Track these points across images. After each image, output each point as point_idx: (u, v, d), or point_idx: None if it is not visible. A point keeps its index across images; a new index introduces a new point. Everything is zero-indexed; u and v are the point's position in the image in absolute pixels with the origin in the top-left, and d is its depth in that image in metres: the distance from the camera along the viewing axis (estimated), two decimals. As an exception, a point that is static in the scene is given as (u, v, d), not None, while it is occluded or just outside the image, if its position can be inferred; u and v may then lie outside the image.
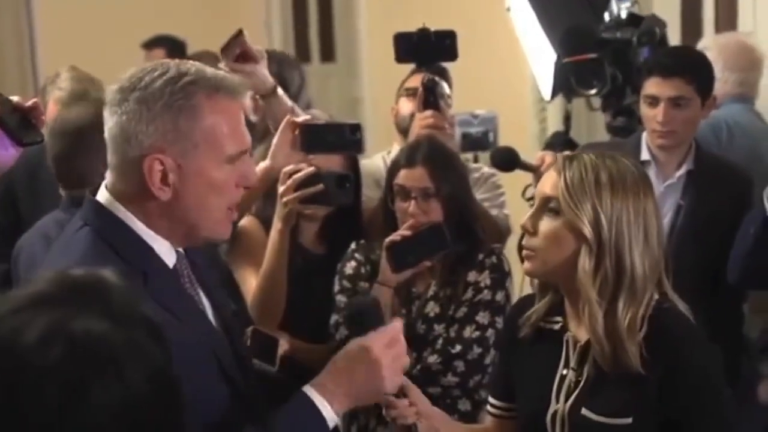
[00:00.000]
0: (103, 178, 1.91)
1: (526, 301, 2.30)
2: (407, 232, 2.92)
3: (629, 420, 2.06)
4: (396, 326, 1.96)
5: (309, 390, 1.88)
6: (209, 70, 1.86)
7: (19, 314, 1.13)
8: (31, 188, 3.22)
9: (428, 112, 3.31)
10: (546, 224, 2.11)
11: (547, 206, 2.12)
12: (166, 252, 1.89)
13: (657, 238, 2.10)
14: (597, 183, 2.07)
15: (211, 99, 1.83)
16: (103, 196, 1.88)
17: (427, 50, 3.37)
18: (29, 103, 2.48)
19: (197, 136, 1.82)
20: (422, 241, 2.91)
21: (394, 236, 2.92)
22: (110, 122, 1.84)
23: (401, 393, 2.10)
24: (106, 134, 1.86)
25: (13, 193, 3.59)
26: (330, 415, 1.87)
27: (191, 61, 1.89)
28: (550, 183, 2.12)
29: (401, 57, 3.45)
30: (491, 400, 2.37)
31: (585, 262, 2.06)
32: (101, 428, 1.10)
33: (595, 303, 2.06)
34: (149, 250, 1.86)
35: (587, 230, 2.05)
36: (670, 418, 2.06)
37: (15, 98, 2.48)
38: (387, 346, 1.91)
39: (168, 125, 1.80)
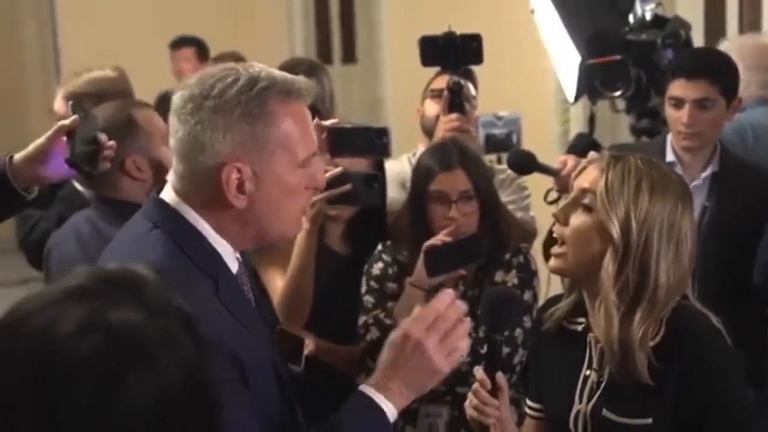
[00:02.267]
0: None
1: (554, 301, 2.31)
2: (448, 239, 2.91)
3: (649, 420, 2.07)
4: (441, 303, 1.91)
5: (367, 389, 1.86)
6: (278, 73, 1.84)
7: (54, 306, 1.13)
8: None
9: (453, 116, 3.32)
10: (577, 218, 2.12)
11: (581, 200, 2.12)
12: (230, 258, 1.87)
13: (689, 256, 2.09)
14: (637, 188, 2.06)
15: (283, 104, 1.81)
16: (169, 196, 1.86)
17: (453, 54, 3.37)
18: (110, 143, 2.50)
19: (273, 143, 1.80)
20: (462, 248, 2.91)
21: (435, 241, 2.91)
22: (181, 131, 1.80)
23: (494, 392, 2.12)
24: (174, 143, 1.83)
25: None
26: (391, 411, 1.86)
27: (258, 64, 1.86)
28: (590, 178, 2.12)
29: (427, 60, 3.45)
30: (528, 402, 2.38)
31: (609, 265, 2.06)
32: (135, 420, 1.10)
33: (613, 304, 2.06)
34: (218, 256, 1.84)
35: (615, 232, 2.05)
36: (689, 417, 2.06)
37: (103, 136, 2.51)
38: (429, 328, 1.87)
39: (245, 134, 1.78)
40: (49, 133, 2.44)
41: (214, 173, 1.79)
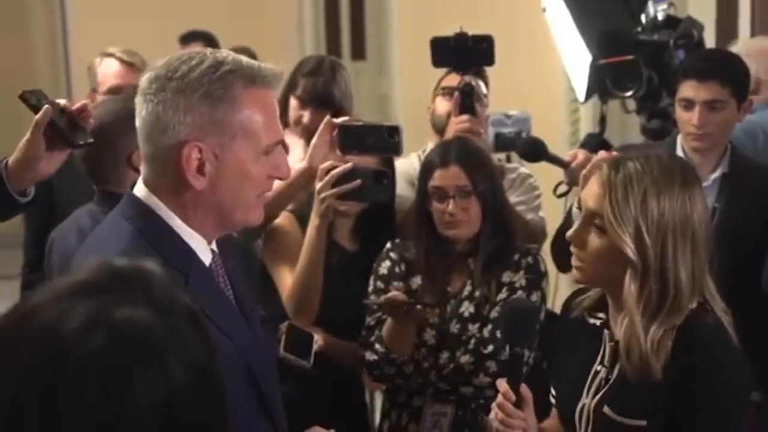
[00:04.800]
0: (126, 175, 1.90)
1: (583, 291, 2.30)
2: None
3: (643, 423, 2.07)
4: None
5: None
6: (245, 59, 1.83)
7: (60, 302, 1.11)
8: (66, 172, 3.24)
9: (464, 117, 3.32)
10: (593, 241, 2.10)
11: (592, 221, 2.10)
12: (203, 250, 1.87)
13: (704, 245, 2.08)
14: (644, 198, 2.04)
15: (248, 89, 1.80)
16: (140, 190, 1.87)
17: (465, 55, 3.37)
18: (77, 105, 2.50)
19: (234, 127, 1.79)
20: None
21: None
22: (144, 111, 1.81)
23: (518, 403, 2.12)
24: (138, 123, 1.83)
25: (49, 182, 3.62)
26: None
27: (226, 51, 1.86)
28: (593, 196, 2.10)
29: (438, 61, 3.45)
30: (553, 390, 2.37)
31: (630, 285, 2.06)
32: (141, 418, 1.08)
33: (638, 323, 2.05)
34: (188, 249, 1.84)
35: (632, 254, 2.03)
36: (676, 421, 2.06)
37: (62, 101, 2.51)
38: None
39: (206, 116, 1.78)
40: (29, 135, 2.44)
41: (175, 153, 1.78)
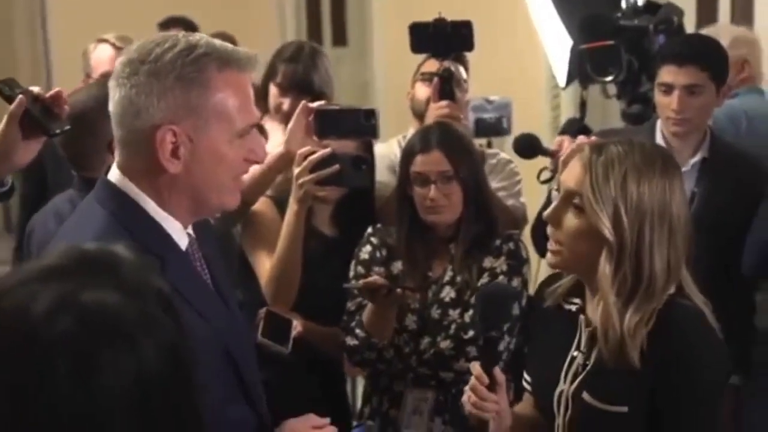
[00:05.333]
0: (107, 161, 1.89)
1: (556, 278, 2.31)
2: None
3: (625, 409, 2.07)
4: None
5: None
6: (218, 42, 1.82)
7: (28, 286, 1.11)
8: (58, 162, 3.23)
9: (443, 102, 3.32)
10: (570, 220, 2.11)
11: (571, 201, 2.11)
12: (179, 234, 1.86)
13: (682, 237, 2.09)
14: (623, 181, 2.05)
15: (221, 72, 1.79)
16: (114, 175, 1.85)
17: (444, 41, 3.36)
18: (51, 92, 2.48)
19: (208, 110, 1.79)
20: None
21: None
22: (117, 95, 1.80)
23: (491, 386, 2.12)
24: (112, 107, 1.82)
25: (43, 167, 3.61)
26: None
27: (200, 34, 1.85)
28: (574, 176, 2.11)
29: (417, 47, 3.43)
30: (526, 376, 2.38)
31: (605, 265, 2.06)
32: (112, 402, 1.08)
33: (612, 305, 2.06)
34: (164, 232, 1.83)
35: (609, 233, 2.04)
36: (658, 408, 2.06)
37: (36, 88, 2.49)
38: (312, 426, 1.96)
39: (179, 99, 1.77)
40: (3, 125, 2.42)
41: (149, 136, 1.77)
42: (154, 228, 1.83)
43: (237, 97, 1.81)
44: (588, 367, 2.14)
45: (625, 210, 2.04)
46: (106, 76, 3.60)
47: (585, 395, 2.12)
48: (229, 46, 1.83)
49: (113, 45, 3.94)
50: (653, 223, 2.05)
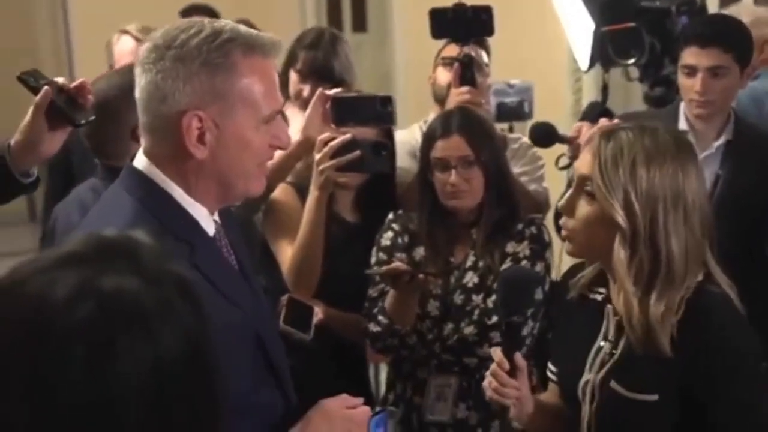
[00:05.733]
0: (130, 149, 1.89)
1: (578, 268, 2.29)
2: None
3: (655, 397, 2.06)
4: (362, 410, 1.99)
5: None
6: (243, 28, 1.82)
7: (47, 273, 1.10)
8: (84, 153, 3.25)
9: (464, 88, 3.31)
10: (582, 208, 2.10)
11: (583, 188, 2.10)
12: (206, 220, 1.86)
13: (699, 216, 2.06)
14: (633, 166, 2.03)
15: (247, 57, 1.79)
16: (140, 162, 1.85)
17: (464, 26, 3.35)
18: (76, 83, 2.49)
19: (234, 95, 1.78)
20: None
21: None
22: (143, 80, 1.80)
23: (512, 372, 2.11)
24: (138, 93, 1.82)
25: (68, 158, 3.62)
26: None
27: (224, 20, 1.85)
28: (586, 163, 2.10)
29: (437, 33, 3.43)
30: (550, 365, 2.37)
31: (620, 251, 2.05)
32: (129, 388, 1.07)
33: (630, 292, 2.05)
34: (192, 219, 1.83)
35: (621, 219, 2.03)
36: (695, 398, 2.04)
37: (61, 79, 2.49)
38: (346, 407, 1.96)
39: (205, 84, 1.77)
40: (29, 116, 2.42)
41: (175, 122, 1.77)
42: (182, 214, 1.83)
43: (262, 82, 1.81)
44: (615, 356, 2.12)
45: (636, 195, 2.02)
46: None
47: (613, 384, 2.10)
48: (254, 31, 1.83)
49: (135, 37, 3.93)
50: (666, 208, 2.03)
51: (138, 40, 3.87)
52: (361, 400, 1.99)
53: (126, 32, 3.97)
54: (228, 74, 1.78)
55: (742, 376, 2.04)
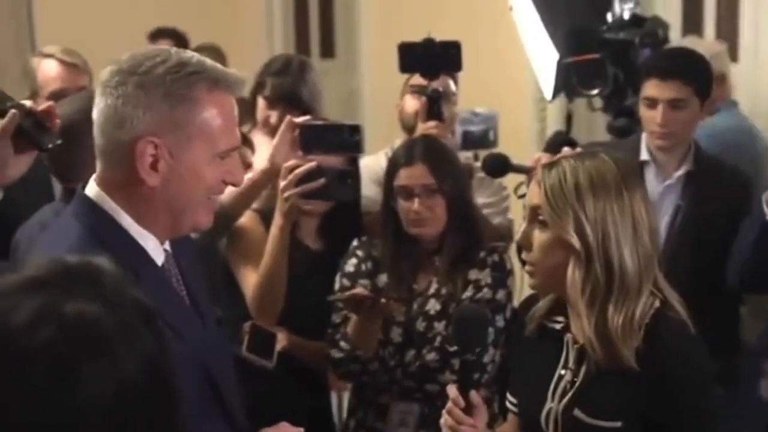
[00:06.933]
0: (95, 171, 1.88)
1: (533, 299, 2.32)
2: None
3: (618, 424, 2.07)
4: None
5: None
6: (209, 62, 1.83)
7: (8, 297, 1.11)
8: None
9: (431, 123, 3.35)
10: (538, 237, 2.14)
11: (536, 217, 2.14)
12: (154, 249, 1.86)
13: (648, 228, 2.12)
14: (577, 189, 2.08)
15: (210, 92, 1.80)
16: (92, 189, 1.85)
17: (432, 60, 3.37)
18: (43, 106, 2.48)
19: (193, 128, 1.79)
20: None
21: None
22: (102, 103, 1.80)
23: (468, 409, 2.12)
24: (95, 115, 1.82)
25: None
26: None
27: (191, 52, 1.86)
28: (534, 194, 2.15)
29: (406, 67, 3.45)
30: (509, 396, 2.38)
31: (575, 273, 2.08)
32: (90, 414, 1.08)
33: (584, 313, 2.08)
34: (139, 248, 1.83)
35: (574, 241, 2.07)
36: (657, 422, 2.07)
37: (27, 102, 2.49)
38: None
39: (165, 114, 1.77)
40: None
41: (129, 147, 1.78)
42: (129, 242, 1.82)
43: (222, 117, 1.82)
44: (577, 384, 2.14)
45: (586, 217, 2.07)
46: (57, 95, 3.51)
47: (577, 412, 2.12)
48: (220, 66, 1.84)
49: (60, 60, 3.74)
50: (616, 223, 2.07)
51: (64, 63, 3.72)
52: (301, 429, 1.97)
53: (49, 56, 3.76)
54: (189, 106, 1.78)
55: (703, 394, 2.10)
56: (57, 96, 3.49)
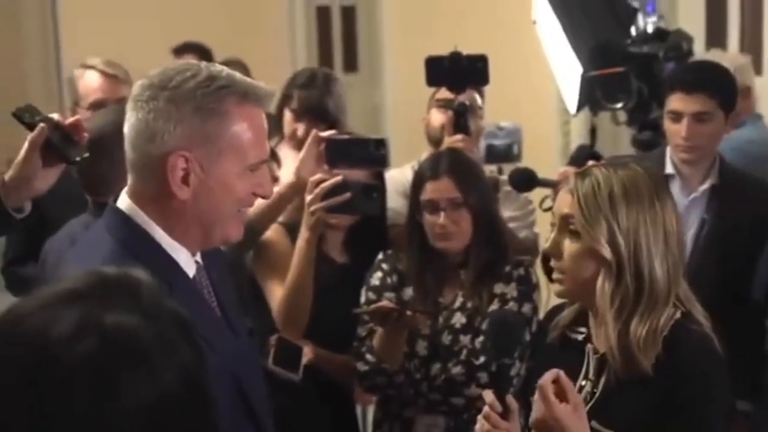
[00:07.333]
0: (125, 184, 1.90)
1: (558, 310, 2.32)
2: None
3: None
4: None
5: None
6: (238, 75, 1.85)
7: (48, 309, 1.12)
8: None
9: (458, 136, 3.35)
10: (568, 246, 2.13)
11: (567, 227, 2.13)
12: (186, 262, 1.88)
13: (677, 237, 2.12)
14: (611, 198, 2.08)
15: (240, 106, 1.82)
16: (123, 202, 1.87)
17: (459, 74, 3.38)
18: (71, 120, 2.51)
19: (223, 141, 1.81)
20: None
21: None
22: (133, 117, 1.83)
23: (504, 414, 2.12)
24: (127, 129, 1.84)
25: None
26: None
27: (220, 66, 1.88)
28: (566, 202, 2.14)
29: (433, 81, 3.46)
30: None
31: (605, 284, 2.08)
32: (130, 425, 1.09)
33: (610, 323, 2.08)
34: (172, 260, 1.85)
35: (606, 252, 2.06)
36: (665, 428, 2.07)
37: (55, 116, 2.52)
38: None
39: (196, 128, 1.79)
40: (24, 153, 2.44)
41: (161, 161, 1.80)
42: (162, 255, 1.84)
43: (252, 131, 1.84)
44: (596, 395, 2.15)
45: (619, 228, 2.07)
46: (97, 105, 3.60)
47: (593, 423, 2.12)
48: (249, 80, 1.86)
49: (101, 72, 3.80)
50: (648, 234, 2.07)
51: (105, 74, 3.79)
52: None
53: (91, 67, 3.83)
54: (219, 120, 1.80)
55: (709, 412, 2.08)
56: (97, 106, 3.58)
